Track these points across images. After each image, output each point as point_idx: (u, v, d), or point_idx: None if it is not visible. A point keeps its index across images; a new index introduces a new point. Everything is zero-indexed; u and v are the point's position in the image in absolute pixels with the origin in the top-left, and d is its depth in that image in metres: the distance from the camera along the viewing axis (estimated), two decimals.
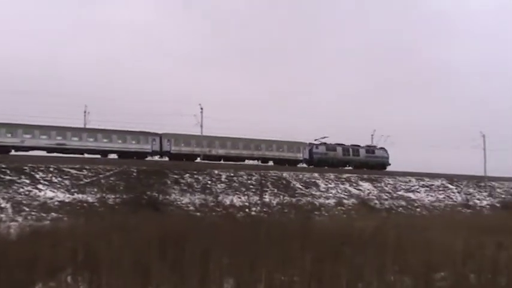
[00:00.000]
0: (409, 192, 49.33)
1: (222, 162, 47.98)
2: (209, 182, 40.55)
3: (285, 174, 45.64)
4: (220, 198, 36.86)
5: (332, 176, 48.28)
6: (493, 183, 56.87)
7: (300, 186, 44.19)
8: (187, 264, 7.95)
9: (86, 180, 36.18)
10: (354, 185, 47.57)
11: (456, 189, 52.83)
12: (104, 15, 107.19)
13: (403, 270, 8.66)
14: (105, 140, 44.38)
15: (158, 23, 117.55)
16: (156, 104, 79.26)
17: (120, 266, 7.69)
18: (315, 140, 53.65)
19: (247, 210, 30.96)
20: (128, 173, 38.49)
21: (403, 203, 45.74)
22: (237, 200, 36.84)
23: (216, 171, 42.67)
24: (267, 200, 36.79)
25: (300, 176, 46.24)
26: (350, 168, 53.26)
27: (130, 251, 8.64)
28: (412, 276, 8.47)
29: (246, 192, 38.60)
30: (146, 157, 45.78)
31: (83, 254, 9.45)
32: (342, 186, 46.58)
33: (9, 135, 40.76)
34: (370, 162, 54.59)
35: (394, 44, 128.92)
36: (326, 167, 51.30)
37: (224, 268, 7.59)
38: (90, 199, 33.05)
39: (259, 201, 34.84)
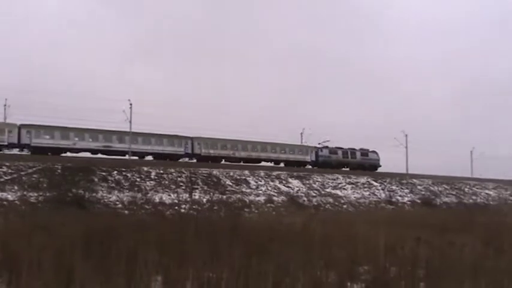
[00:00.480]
0: (337, 189, 50.79)
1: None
2: (138, 179, 39.74)
3: (215, 172, 45.57)
4: (149, 195, 36.23)
5: (262, 173, 48.79)
6: (414, 180, 59.84)
7: (231, 184, 44.30)
8: (113, 263, 7.75)
9: (5, 178, 34.35)
10: (284, 182, 48.33)
11: (380, 186, 54.99)
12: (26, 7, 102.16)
13: (329, 265, 8.89)
14: (144, 143, 48.87)
15: (86, 17, 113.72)
16: (86, 99, 77.16)
17: (41, 266, 7.38)
18: (318, 143, 59.47)
19: (176, 207, 30.63)
20: (52, 170, 36.95)
21: (331, 199, 47.00)
22: (167, 198, 36.38)
23: (146, 168, 41.90)
24: (197, 197, 36.56)
25: (231, 174, 46.35)
26: (347, 169, 58.53)
27: (53, 250, 8.32)
28: (338, 270, 8.72)
29: (175, 190, 38.18)
30: (179, 159, 50.04)
31: (1, 254, 8.99)
32: (271, 183, 47.18)
33: (63, 138, 44.82)
34: (364, 164, 60.50)
35: (320, 44, 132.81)
36: (329, 168, 56.39)
37: (152, 266, 7.47)
38: (10, 197, 31.42)
39: (189, 199, 34.53)
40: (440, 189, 59.83)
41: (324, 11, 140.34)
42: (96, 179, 37.38)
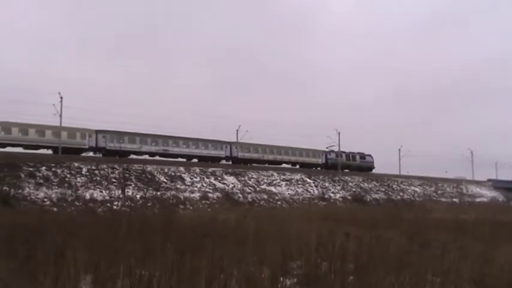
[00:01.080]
0: (271, 186, 51.37)
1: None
2: (68, 175, 38.33)
3: (149, 168, 44.80)
4: (80, 192, 35.07)
5: (198, 169, 48.51)
6: (346, 177, 61.63)
7: (165, 180, 43.72)
8: (40, 261, 7.45)
9: None
10: (219, 178, 48.29)
11: (314, 183, 56.19)
12: None
13: (263, 260, 8.98)
14: (193, 147, 55.23)
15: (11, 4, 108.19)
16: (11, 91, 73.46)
17: None
18: (326, 148, 66.48)
19: (108, 204, 29.85)
20: None
21: (265, 196, 47.49)
22: (98, 194, 35.36)
23: (76, 164, 40.49)
24: (130, 193, 35.81)
25: (166, 170, 45.74)
26: (347, 171, 64.50)
27: None
28: (271, 265, 8.82)
29: (108, 186, 37.19)
30: (220, 161, 56.15)
31: None
32: (207, 180, 47.01)
33: (131, 142, 50.59)
34: (362, 166, 68.33)
35: (250, 41, 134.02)
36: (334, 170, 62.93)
37: (81, 264, 7.25)
38: None
39: (121, 195, 33.76)
40: (370, 186, 61.93)
41: (255, 11, 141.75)
42: (22, 175, 35.70)
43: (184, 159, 53.76)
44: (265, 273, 8.43)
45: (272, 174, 54.28)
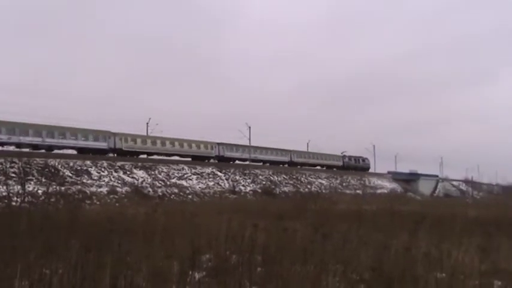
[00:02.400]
0: (182, 179, 50.98)
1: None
2: None
3: (52, 162, 42.67)
4: None
5: (105, 163, 46.98)
6: (256, 170, 62.62)
7: (70, 174, 41.90)
8: None
9: None
10: (128, 173, 47.12)
11: (225, 176, 56.52)
12: None
13: (171, 255, 8.91)
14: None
15: None
16: None
17: None
18: (341, 153, 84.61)
19: (6, 201, 28.01)
20: None
21: (176, 190, 47.07)
22: None
23: None
24: (31, 189, 33.85)
25: (71, 164, 43.83)
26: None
27: None
28: (180, 259, 8.78)
29: (6, 181, 34.88)
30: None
31: None
32: (115, 174, 45.68)
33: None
34: (364, 167, 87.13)
35: (167, 35, 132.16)
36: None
37: None
38: None
39: (21, 191, 31.80)
40: (279, 179, 63.44)
41: (175, 2, 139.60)
42: None
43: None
44: (174, 267, 8.38)
45: (183, 168, 53.86)
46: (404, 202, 35.21)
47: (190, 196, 46.31)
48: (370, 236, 10.61)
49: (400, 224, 13.87)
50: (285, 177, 65.04)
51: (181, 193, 46.72)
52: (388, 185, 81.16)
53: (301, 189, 60.93)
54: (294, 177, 66.88)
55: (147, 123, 62.01)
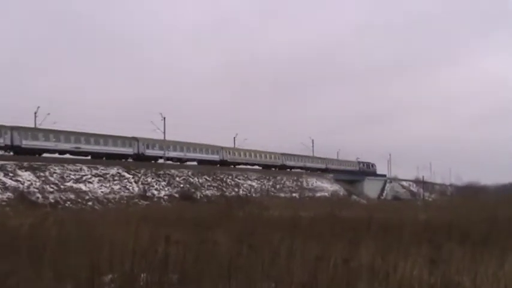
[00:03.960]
0: (80, 182, 49.70)
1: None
2: None
3: None
4: None
5: None
6: (173, 171, 62.15)
7: None
8: None
9: None
10: (11, 175, 45.30)
11: (133, 178, 55.67)
12: None
13: (64, 277, 8.69)
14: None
15: None
16: None
17: None
18: (357, 158, 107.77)
19: None
20: None
21: (72, 196, 45.84)
22: None
23: None
24: None
25: None
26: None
27: None
28: (74, 282, 8.58)
29: None
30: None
31: None
32: None
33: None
34: (373, 171, 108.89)
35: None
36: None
37: None
38: None
39: None
40: (201, 180, 63.37)
41: None
42: None
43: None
44: None
45: (81, 169, 52.53)
46: (347, 206, 36.28)
47: (90, 203, 45.28)
48: (305, 247, 10.85)
49: (340, 232, 14.29)
50: (207, 178, 65.06)
51: (79, 199, 45.57)
52: (329, 187, 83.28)
53: (227, 193, 61.23)
54: (219, 178, 67.03)
55: (35, 113, 59.83)
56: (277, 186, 74.12)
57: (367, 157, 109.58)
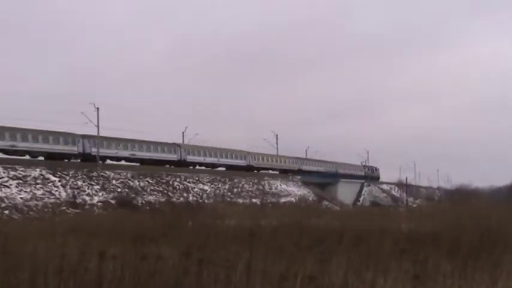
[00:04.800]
0: None
1: None
2: None
3: None
4: None
5: None
6: (108, 173, 61.55)
7: None
8: None
9: None
10: None
11: (60, 181, 54.91)
12: None
13: None
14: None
15: None
16: None
17: None
18: (361, 162, 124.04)
19: None
20: None
21: None
22: None
23: None
24: None
25: None
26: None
27: None
28: None
29: None
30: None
31: None
32: None
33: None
34: (376, 176, 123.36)
35: None
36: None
37: None
38: None
39: None
40: (142, 184, 62.96)
41: None
42: None
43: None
44: None
45: None
46: (317, 214, 36.54)
47: (7, 211, 44.52)
48: (267, 263, 10.90)
49: (309, 244, 14.40)
50: (150, 181, 64.65)
51: None
52: (296, 191, 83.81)
53: (174, 199, 61.02)
54: (164, 181, 66.71)
55: None
56: (235, 190, 74.25)
57: (340, 156, 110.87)
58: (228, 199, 68.43)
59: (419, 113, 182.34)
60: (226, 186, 74.13)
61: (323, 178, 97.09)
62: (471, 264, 12.17)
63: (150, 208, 53.23)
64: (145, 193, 60.70)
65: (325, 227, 22.19)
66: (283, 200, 75.98)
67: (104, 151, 67.41)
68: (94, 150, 65.74)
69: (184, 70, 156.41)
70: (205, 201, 63.74)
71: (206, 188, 70.74)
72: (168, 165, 75.74)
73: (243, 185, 77.28)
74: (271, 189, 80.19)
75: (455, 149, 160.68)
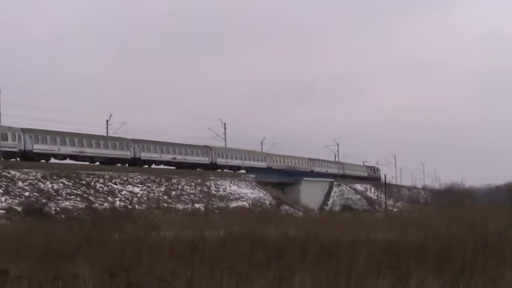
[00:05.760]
0: None
1: None
2: None
3: None
4: None
5: None
6: (13, 172, 60.46)
7: None
8: None
9: None
10: None
11: None
12: None
13: None
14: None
15: None
16: None
17: None
18: (363, 162, 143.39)
19: None
20: None
21: None
22: None
23: None
24: None
25: None
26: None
27: None
28: None
29: None
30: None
31: None
32: None
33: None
34: (378, 177, 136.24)
35: None
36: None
37: None
38: None
39: None
40: (56, 186, 62.15)
41: None
42: None
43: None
44: None
45: None
46: (275, 222, 36.60)
47: None
48: (212, 283, 10.86)
49: (264, 260, 14.40)
50: (66, 183, 63.90)
51: None
52: (249, 194, 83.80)
53: (97, 204, 60.54)
54: (84, 183, 65.99)
55: None
56: (173, 193, 73.93)
57: (305, 149, 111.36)
58: (165, 204, 68.16)
59: (403, 94, 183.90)
60: (162, 189, 73.76)
61: (282, 177, 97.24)
62: (463, 280, 12.29)
63: (66, 216, 52.64)
64: (59, 198, 59.96)
65: (285, 237, 22.22)
66: (233, 204, 76.09)
67: (148, 155, 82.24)
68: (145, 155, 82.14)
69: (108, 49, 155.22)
70: (136, 207, 63.34)
71: (137, 190, 70.21)
72: (200, 169, 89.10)
73: (183, 186, 77.00)
74: (218, 191, 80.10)
75: (445, 140, 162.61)
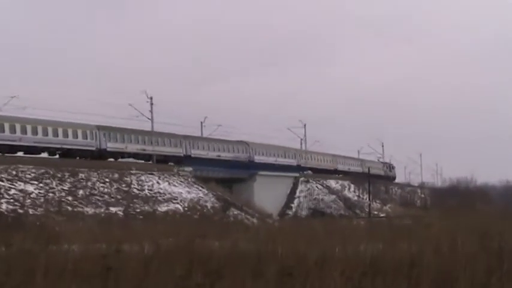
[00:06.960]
0: None
1: None
2: None
3: None
4: None
5: None
6: None
7: None
8: None
9: None
10: None
11: None
12: None
13: None
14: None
15: None
16: None
17: None
18: (378, 159, 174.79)
19: None
20: None
21: None
22: None
23: None
24: None
25: None
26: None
27: None
28: None
29: None
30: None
31: None
32: None
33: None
34: (392, 176, 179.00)
35: None
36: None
37: None
38: None
39: None
40: None
41: None
42: None
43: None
44: None
45: None
46: (219, 231, 36.79)
47: None
48: None
49: (205, 281, 14.55)
50: None
51: None
52: (185, 194, 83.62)
53: None
54: None
55: None
56: (80, 192, 73.66)
57: (258, 131, 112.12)
58: (69, 208, 67.98)
59: (393, 60, 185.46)
60: (66, 187, 73.39)
61: (230, 170, 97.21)
62: None
63: None
64: None
65: (232, 253, 22.38)
66: (163, 208, 76.18)
67: (197, 152, 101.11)
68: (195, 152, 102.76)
69: None
70: (30, 211, 63.16)
71: (31, 189, 69.79)
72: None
73: (94, 183, 76.66)
74: (142, 190, 79.94)
75: (450, 125, 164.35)
